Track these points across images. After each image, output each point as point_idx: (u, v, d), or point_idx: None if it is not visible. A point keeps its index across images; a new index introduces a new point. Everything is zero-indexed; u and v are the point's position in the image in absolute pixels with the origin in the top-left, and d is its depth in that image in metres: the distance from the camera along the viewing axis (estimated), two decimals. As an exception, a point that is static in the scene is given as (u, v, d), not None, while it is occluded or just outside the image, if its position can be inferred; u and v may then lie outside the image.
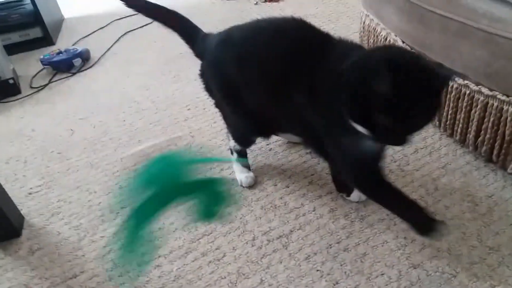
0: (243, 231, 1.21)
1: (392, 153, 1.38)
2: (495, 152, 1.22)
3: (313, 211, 1.24)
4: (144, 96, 1.91)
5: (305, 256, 1.12)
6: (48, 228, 1.29)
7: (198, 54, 1.24)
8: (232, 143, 1.36)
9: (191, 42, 1.25)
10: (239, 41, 1.11)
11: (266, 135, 1.29)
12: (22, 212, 1.34)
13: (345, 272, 1.06)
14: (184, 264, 1.15)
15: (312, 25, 1.04)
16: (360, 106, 0.81)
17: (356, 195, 1.23)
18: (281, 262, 1.11)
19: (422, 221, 1.02)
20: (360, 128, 0.84)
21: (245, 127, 1.26)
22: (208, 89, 1.25)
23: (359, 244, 1.12)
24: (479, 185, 1.23)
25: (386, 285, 1.02)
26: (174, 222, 1.27)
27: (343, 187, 1.25)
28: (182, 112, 1.76)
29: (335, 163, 1.13)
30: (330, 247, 1.13)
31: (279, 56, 1.02)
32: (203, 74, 1.23)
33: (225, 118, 1.33)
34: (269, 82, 1.06)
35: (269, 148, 1.49)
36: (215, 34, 1.19)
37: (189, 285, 1.09)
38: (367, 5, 1.75)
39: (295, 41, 1.02)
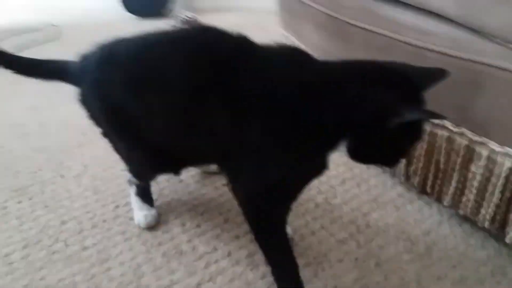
0: (137, 287, 0.94)
1: (318, 184, 1.21)
2: (429, 183, 1.09)
3: (228, 256, 1.01)
4: (31, 118, 1.59)
5: (215, 316, 0.88)
6: None
7: (75, 81, 0.95)
8: (128, 175, 1.10)
9: (63, 74, 0.97)
10: (128, 58, 0.86)
11: (175, 171, 1.03)
12: None
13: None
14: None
15: (221, 29, 0.84)
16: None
17: None
18: (183, 327, 0.86)
19: None
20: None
21: (145, 165, 1.02)
22: (94, 117, 0.97)
23: (282, 297, 0.91)
24: (414, 221, 1.09)
25: None
26: (46, 277, 0.96)
27: None
28: (75, 137, 1.46)
29: (241, 185, 0.89)
30: (247, 302, 0.90)
31: (186, 72, 0.80)
32: (84, 101, 0.95)
33: (117, 150, 1.07)
34: (177, 105, 0.83)
35: (179, 180, 1.25)
36: (94, 51, 0.92)
37: None
38: (286, 26, 1.62)
39: (205, 51, 0.81)
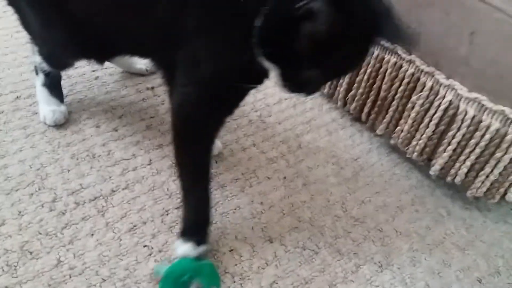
0: (39, 188, 0.82)
1: (253, 100, 1.14)
2: (365, 110, 1.07)
3: (148, 164, 0.91)
4: None
5: (129, 226, 0.80)
6: None
7: None
8: (37, 58, 0.91)
9: None
10: None
11: (99, 57, 0.87)
12: None
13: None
14: None
15: None
16: (278, 41, 0.59)
17: None
18: (92, 235, 0.77)
19: (194, 225, 0.77)
20: (269, 65, 0.62)
21: (63, 45, 0.83)
22: None
23: (203, 210, 0.85)
24: (344, 146, 1.08)
25: (235, 264, 0.78)
26: None
27: None
28: (-33, 11, 1.19)
29: (181, 79, 0.73)
30: (167, 214, 0.83)
31: None
32: None
33: (24, 23, 0.87)
34: None
35: (95, 76, 1.09)
36: None
37: None
38: None
39: None
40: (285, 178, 0.96)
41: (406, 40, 0.64)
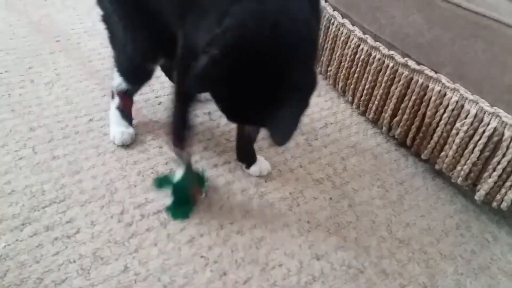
0: (109, 201, 0.92)
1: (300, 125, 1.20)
2: (410, 135, 1.11)
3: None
4: (-2, 15, 1.45)
5: (188, 238, 0.87)
6: None
7: None
8: (115, 82, 1.02)
9: None
10: None
11: (167, 53, 0.95)
12: None
13: (236, 261, 0.85)
14: (17, 240, 0.82)
15: None
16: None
17: (257, 169, 1.02)
18: (155, 245, 0.85)
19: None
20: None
21: (142, 44, 0.95)
22: None
23: (255, 226, 0.92)
24: (389, 170, 1.11)
25: (284, 278, 0.83)
26: (12, 181, 0.92)
27: (244, 156, 1.03)
28: (48, 43, 1.35)
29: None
30: (221, 228, 0.90)
31: None
32: None
33: (112, 37, 1.00)
34: None
35: (159, 102, 1.20)
36: None
37: (20, 270, 0.77)
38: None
39: None
40: (331, 198, 1.01)
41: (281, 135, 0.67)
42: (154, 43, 0.94)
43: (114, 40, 1.00)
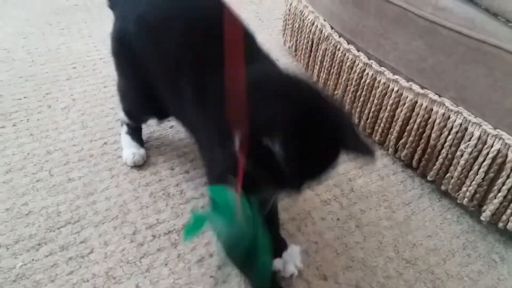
0: (122, 222, 0.95)
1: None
2: (416, 157, 1.13)
3: (214, 204, 1.02)
4: (18, 44, 1.52)
5: (198, 258, 0.89)
6: None
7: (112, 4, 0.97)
8: (121, 114, 1.10)
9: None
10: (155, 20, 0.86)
11: (161, 116, 1.04)
12: None
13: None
14: (33, 260, 0.85)
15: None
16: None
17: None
18: (166, 264, 0.88)
19: None
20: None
21: (138, 103, 1.03)
22: (116, 53, 0.96)
23: (264, 247, 0.93)
24: (396, 191, 1.13)
25: (292, 299, 0.85)
26: (29, 203, 0.96)
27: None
28: (65, 69, 1.41)
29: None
30: (230, 249, 0.92)
31: (184, 36, 0.81)
32: (119, 38, 0.92)
33: (117, 80, 1.06)
34: (168, 62, 0.83)
35: (170, 125, 1.24)
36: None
37: (35, 290, 0.80)
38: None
39: (204, 29, 0.80)
40: (338, 219, 1.03)
41: (367, 151, 0.66)
42: (151, 109, 1.01)
43: (118, 83, 1.06)
